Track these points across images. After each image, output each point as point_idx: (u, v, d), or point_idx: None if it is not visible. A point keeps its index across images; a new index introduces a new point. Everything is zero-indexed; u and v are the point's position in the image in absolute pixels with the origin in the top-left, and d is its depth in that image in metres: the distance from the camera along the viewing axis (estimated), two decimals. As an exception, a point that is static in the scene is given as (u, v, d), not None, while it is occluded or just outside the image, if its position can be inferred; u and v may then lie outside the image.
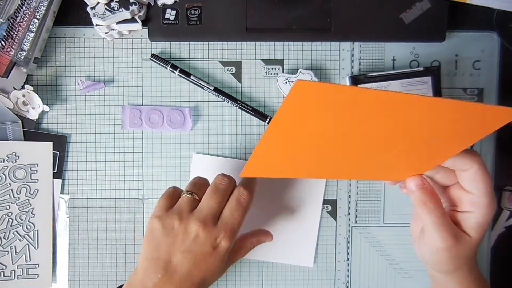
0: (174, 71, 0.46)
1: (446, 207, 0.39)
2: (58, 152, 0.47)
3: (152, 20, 0.46)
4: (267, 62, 0.47)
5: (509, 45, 0.47)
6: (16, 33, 0.43)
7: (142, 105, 0.47)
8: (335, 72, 0.48)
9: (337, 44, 0.47)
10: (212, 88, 0.46)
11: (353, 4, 0.45)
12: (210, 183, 0.42)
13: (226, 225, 0.39)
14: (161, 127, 0.47)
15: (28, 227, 0.47)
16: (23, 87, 0.46)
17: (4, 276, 0.47)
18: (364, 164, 0.39)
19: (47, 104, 0.47)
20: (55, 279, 0.48)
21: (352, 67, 0.48)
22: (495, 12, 0.47)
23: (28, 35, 0.43)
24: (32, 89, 0.46)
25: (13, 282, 0.47)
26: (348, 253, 0.49)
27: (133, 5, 0.43)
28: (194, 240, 0.38)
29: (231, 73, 0.48)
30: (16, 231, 0.47)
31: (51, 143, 0.47)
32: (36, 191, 0.47)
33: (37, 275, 0.47)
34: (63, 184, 0.48)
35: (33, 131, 0.47)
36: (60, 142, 0.47)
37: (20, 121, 0.46)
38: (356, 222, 0.49)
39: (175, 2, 0.45)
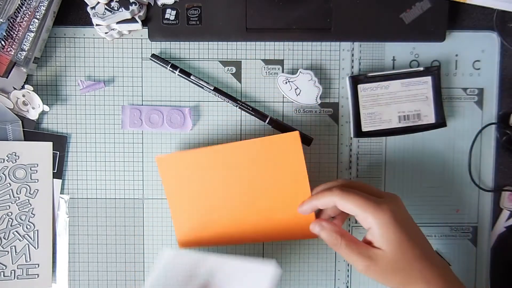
0: (174, 71, 0.46)
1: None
2: (58, 152, 0.47)
3: (152, 20, 0.46)
4: (267, 62, 0.47)
5: (509, 45, 0.47)
6: (16, 33, 0.43)
7: (142, 105, 0.47)
8: (335, 72, 0.48)
9: (337, 44, 0.47)
10: (212, 88, 0.46)
11: (353, 4, 0.45)
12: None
13: None
14: (161, 127, 0.47)
15: (28, 227, 0.47)
16: (23, 87, 0.46)
17: (4, 276, 0.47)
18: (265, 214, 0.44)
19: (47, 104, 0.47)
20: (55, 279, 0.48)
21: (352, 67, 0.48)
22: (495, 12, 0.47)
23: (28, 35, 0.43)
24: (32, 89, 0.46)
25: (13, 282, 0.47)
26: (348, 253, 0.49)
27: (133, 5, 0.43)
28: None
29: (231, 73, 0.48)
30: (16, 231, 0.47)
31: (51, 143, 0.47)
32: (36, 191, 0.47)
33: (37, 275, 0.47)
34: (63, 184, 0.48)
35: (33, 131, 0.47)
36: (60, 142, 0.47)
37: (20, 121, 0.46)
38: (356, 222, 0.49)
39: (175, 2, 0.45)
